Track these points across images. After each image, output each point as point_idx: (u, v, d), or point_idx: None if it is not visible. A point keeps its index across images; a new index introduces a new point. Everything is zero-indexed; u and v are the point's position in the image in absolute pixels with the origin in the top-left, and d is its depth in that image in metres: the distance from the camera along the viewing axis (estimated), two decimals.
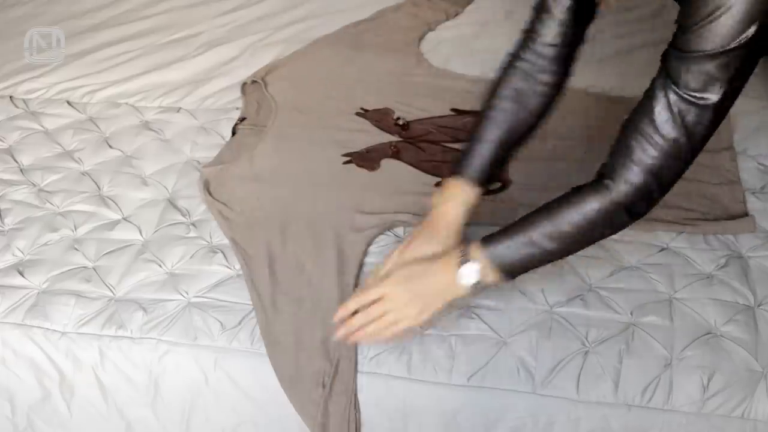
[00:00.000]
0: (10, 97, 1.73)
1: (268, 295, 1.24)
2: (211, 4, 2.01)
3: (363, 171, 1.47)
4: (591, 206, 1.00)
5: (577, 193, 1.02)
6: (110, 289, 1.29)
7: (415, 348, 1.17)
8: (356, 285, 1.25)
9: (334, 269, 1.27)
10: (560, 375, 1.13)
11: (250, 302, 1.24)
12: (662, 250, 1.29)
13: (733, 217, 1.33)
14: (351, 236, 1.32)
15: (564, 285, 1.24)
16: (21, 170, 1.54)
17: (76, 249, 1.35)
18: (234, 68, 1.77)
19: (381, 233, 1.34)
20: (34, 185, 1.50)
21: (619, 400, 1.12)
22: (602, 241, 1.28)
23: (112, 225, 1.40)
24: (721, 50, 0.88)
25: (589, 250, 1.27)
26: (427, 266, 1.07)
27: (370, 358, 1.17)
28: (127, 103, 1.70)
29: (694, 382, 1.11)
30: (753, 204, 1.36)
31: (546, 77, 1.12)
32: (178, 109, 1.67)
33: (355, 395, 1.17)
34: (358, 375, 1.17)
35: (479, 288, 1.06)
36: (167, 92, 1.72)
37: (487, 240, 1.05)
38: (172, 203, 1.44)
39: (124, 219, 1.41)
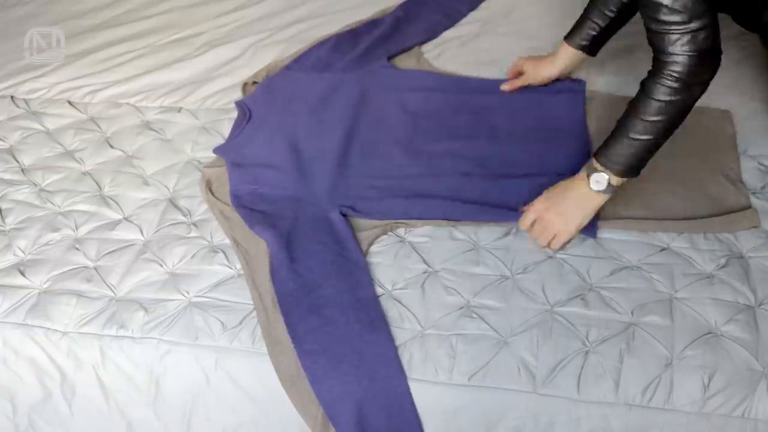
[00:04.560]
0: (12, 97, 1.73)
1: (270, 295, 1.24)
2: (212, 4, 2.01)
3: None
4: (656, 88, 1.17)
5: (643, 83, 1.20)
6: (111, 289, 1.29)
7: (416, 348, 1.17)
8: None
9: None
10: (561, 374, 1.14)
11: (251, 302, 1.25)
12: (663, 249, 1.29)
13: (737, 218, 1.32)
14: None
15: (564, 284, 1.24)
16: (22, 170, 1.54)
17: (77, 249, 1.36)
18: (235, 68, 1.77)
19: (383, 234, 1.34)
20: (35, 185, 1.50)
21: (620, 400, 1.12)
22: (602, 241, 1.29)
23: (113, 225, 1.40)
24: None
25: (589, 250, 1.28)
26: (563, 186, 1.29)
27: None
28: (128, 103, 1.70)
29: (694, 382, 1.11)
30: (754, 204, 1.36)
31: None
32: (179, 109, 1.67)
33: None
34: None
35: (611, 190, 1.25)
36: (168, 92, 1.72)
37: (600, 150, 1.25)
38: (173, 203, 1.44)
39: (125, 219, 1.41)
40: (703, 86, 1.19)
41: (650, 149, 1.22)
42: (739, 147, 1.47)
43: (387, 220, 1.35)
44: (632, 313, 1.20)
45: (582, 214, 1.27)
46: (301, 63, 1.73)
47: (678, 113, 1.19)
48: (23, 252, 1.37)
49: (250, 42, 1.85)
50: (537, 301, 1.22)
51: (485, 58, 1.75)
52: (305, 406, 1.17)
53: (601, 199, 1.26)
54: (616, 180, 1.24)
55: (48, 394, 1.27)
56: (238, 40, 1.86)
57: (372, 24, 1.87)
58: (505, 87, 1.60)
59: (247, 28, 1.91)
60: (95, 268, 1.32)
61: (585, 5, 1.49)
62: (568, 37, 1.52)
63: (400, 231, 1.35)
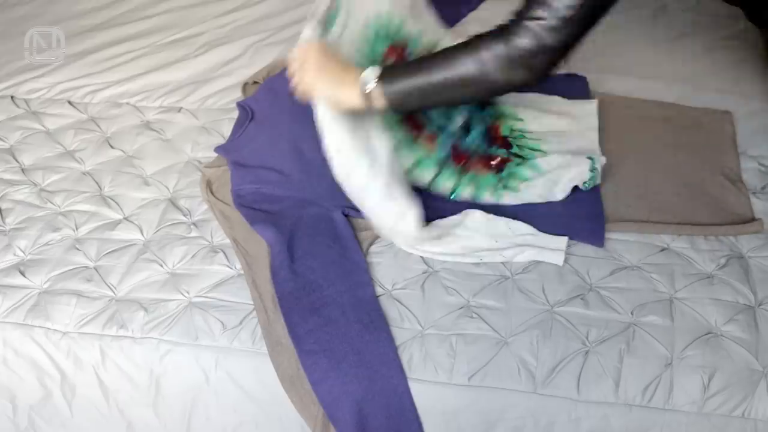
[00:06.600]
0: (12, 97, 1.73)
1: (270, 295, 1.24)
2: (212, 4, 2.01)
3: None
4: (489, 52, 1.03)
5: (477, 39, 1.05)
6: (111, 289, 1.29)
7: (416, 347, 1.17)
8: None
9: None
10: (561, 375, 1.14)
11: (251, 302, 1.25)
12: (663, 249, 1.29)
13: (740, 220, 1.32)
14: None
15: (564, 284, 1.24)
16: (22, 170, 1.54)
17: (78, 249, 1.36)
18: (235, 68, 1.77)
19: None
20: (36, 185, 1.50)
21: (620, 400, 1.12)
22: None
23: (114, 225, 1.40)
24: None
25: (589, 250, 1.28)
26: (346, 64, 1.19)
27: None
28: (128, 103, 1.70)
29: (694, 382, 1.11)
30: (754, 204, 1.36)
31: None
32: (180, 109, 1.67)
33: None
34: None
35: (366, 98, 1.13)
36: (168, 92, 1.72)
37: (389, 69, 1.13)
38: (173, 203, 1.44)
39: (126, 219, 1.41)
40: (508, 86, 1.07)
41: (429, 98, 1.12)
42: (739, 147, 1.47)
43: None
44: (632, 313, 1.20)
45: (330, 89, 1.16)
46: None
47: (477, 87, 1.08)
48: (23, 252, 1.37)
49: (250, 42, 1.85)
50: (537, 301, 1.22)
51: None
52: (305, 406, 1.17)
53: (352, 95, 1.14)
54: (378, 93, 1.12)
55: (48, 394, 1.27)
56: (238, 40, 1.86)
57: None
58: None
59: (247, 28, 1.91)
60: (95, 268, 1.32)
61: None
62: None
63: None
